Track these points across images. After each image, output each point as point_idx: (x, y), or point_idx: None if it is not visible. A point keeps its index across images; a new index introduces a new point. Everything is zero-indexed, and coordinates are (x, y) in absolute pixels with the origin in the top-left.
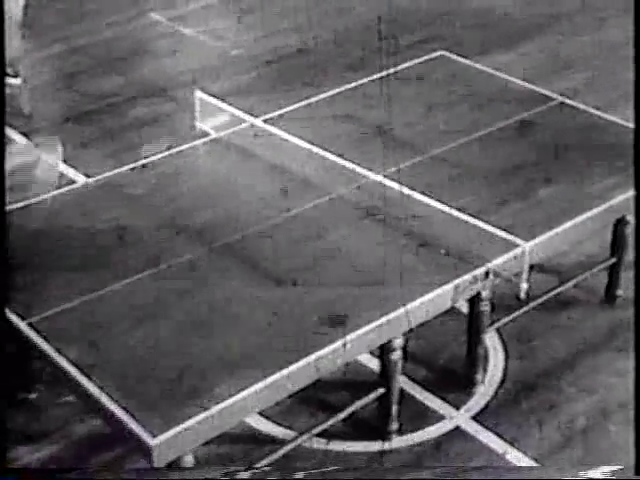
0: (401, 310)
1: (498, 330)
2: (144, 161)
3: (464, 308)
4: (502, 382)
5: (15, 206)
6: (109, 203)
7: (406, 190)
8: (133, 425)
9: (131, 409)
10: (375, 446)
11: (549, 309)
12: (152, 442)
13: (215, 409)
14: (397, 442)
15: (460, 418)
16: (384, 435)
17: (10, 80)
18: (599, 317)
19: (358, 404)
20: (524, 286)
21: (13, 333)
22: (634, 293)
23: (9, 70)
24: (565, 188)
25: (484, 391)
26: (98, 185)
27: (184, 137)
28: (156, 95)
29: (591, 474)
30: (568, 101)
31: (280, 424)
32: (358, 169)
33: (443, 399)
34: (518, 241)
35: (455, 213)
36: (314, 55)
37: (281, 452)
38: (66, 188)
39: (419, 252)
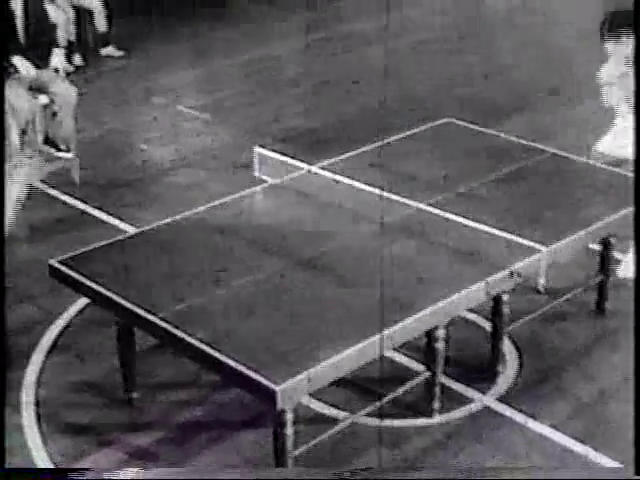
0: (448, 299)
1: (509, 335)
2: (218, 202)
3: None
4: (518, 373)
5: (137, 230)
6: (201, 231)
7: (442, 213)
8: (260, 378)
9: (257, 367)
10: (420, 422)
11: (549, 320)
12: (277, 388)
13: (318, 367)
14: (439, 418)
15: (487, 400)
16: (428, 413)
17: (64, 154)
18: (592, 325)
19: (408, 385)
20: (542, 281)
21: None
22: (634, 295)
23: (62, 146)
24: (564, 214)
25: (504, 380)
26: (187, 220)
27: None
28: (190, 166)
29: None
30: (559, 152)
31: (337, 407)
32: (400, 200)
33: (472, 386)
34: (538, 246)
35: (485, 228)
36: (324, 133)
37: (341, 426)
38: (164, 221)
39: (457, 260)
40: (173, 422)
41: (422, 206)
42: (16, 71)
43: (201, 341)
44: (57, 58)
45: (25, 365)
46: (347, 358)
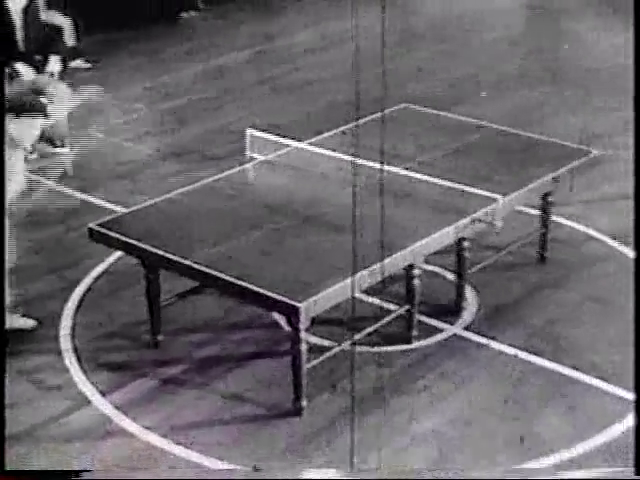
0: (423, 240)
1: (469, 281)
2: (223, 174)
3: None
4: (479, 308)
5: (155, 200)
6: (216, 197)
7: (412, 174)
8: (286, 299)
9: (283, 293)
10: (401, 347)
11: (500, 269)
12: (299, 305)
13: (330, 289)
14: (417, 344)
15: (455, 329)
16: (407, 340)
17: (59, 150)
18: (536, 271)
19: (392, 315)
20: (499, 224)
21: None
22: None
23: (58, 142)
24: (512, 175)
25: (468, 314)
26: (197, 190)
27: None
28: (166, 159)
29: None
30: (502, 128)
31: (329, 339)
32: (375, 167)
33: (441, 319)
34: (496, 196)
35: (450, 184)
36: (289, 128)
37: (334, 351)
38: (178, 191)
39: (429, 210)
40: (196, 357)
41: (394, 169)
42: (18, 75)
43: (238, 278)
44: (53, 64)
45: (57, 323)
46: (346, 285)
